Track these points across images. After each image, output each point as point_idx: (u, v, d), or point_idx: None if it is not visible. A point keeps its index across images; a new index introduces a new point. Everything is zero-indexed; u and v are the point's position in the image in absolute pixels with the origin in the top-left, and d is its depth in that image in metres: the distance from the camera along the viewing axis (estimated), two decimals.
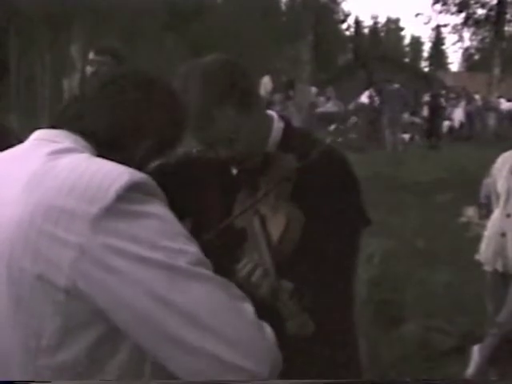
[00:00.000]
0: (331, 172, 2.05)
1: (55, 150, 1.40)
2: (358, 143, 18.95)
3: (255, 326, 1.31)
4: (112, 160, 1.41)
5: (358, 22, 72.65)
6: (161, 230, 1.29)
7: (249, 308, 1.33)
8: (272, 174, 1.95)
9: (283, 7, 49.35)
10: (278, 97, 21.49)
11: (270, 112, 2.17)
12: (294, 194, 1.93)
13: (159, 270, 1.24)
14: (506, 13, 26.97)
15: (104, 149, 1.47)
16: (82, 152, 1.42)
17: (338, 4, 57.86)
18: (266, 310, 1.45)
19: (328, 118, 22.91)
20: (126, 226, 1.26)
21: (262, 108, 2.14)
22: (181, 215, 1.39)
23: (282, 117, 2.17)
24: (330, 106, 25.21)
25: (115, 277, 1.23)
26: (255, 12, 35.86)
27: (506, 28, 27.83)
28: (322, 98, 25.83)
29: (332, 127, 21.20)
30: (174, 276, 1.24)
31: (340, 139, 19.24)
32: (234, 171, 2.15)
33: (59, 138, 1.46)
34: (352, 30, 68.83)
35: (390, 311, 5.79)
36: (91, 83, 1.61)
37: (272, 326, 1.38)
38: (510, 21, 28.21)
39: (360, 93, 23.73)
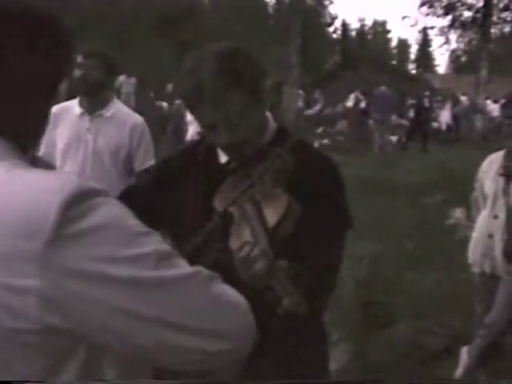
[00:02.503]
0: (323, 176, 2.17)
1: None
2: (345, 145, 18.99)
3: (230, 306, 1.31)
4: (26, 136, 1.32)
5: (344, 25, 72.77)
6: (114, 238, 1.19)
7: (220, 288, 1.31)
8: (267, 165, 2.04)
9: (270, 10, 49.40)
10: None
11: (266, 112, 2.27)
12: (288, 190, 2.01)
13: (123, 285, 1.17)
14: (492, 15, 27.09)
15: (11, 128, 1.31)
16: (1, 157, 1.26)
17: (325, 7, 57.93)
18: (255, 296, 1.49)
19: (316, 120, 22.95)
20: (76, 250, 1.14)
21: (266, 101, 2.22)
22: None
23: (274, 119, 2.29)
24: (317, 109, 25.29)
25: (83, 302, 1.16)
26: (243, 16, 35.89)
27: (493, 30, 27.96)
28: (309, 101, 25.95)
29: (320, 130, 21.22)
30: (139, 288, 1.18)
31: (327, 141, 19.24)
32: (223, 160, 2.23)
33: None
34: (339, 32, 68.91)
35: (380, 313, 5.80)
36: None
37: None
38: (496, 23, 28.35)
39: (347, 95, 23.79)
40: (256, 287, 1.82)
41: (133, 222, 1.25)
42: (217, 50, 2.05)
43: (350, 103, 23.17)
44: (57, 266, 1.13)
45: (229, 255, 1.94)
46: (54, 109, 4.61)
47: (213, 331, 1.26)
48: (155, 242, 1.24)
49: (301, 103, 24.31)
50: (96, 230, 1.17)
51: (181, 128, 13.73)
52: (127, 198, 1.74)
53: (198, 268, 1.29)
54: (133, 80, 23.42)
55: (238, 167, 2.15)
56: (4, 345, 1.19)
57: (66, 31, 1.39)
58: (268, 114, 2.26)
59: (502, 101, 26.30)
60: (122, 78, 21.86)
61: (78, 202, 1.16)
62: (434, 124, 24.98)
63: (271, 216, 1.95)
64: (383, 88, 20.48)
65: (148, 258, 1.20)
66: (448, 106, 26.30)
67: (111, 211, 1.22)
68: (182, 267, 1.27)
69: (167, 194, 2.32)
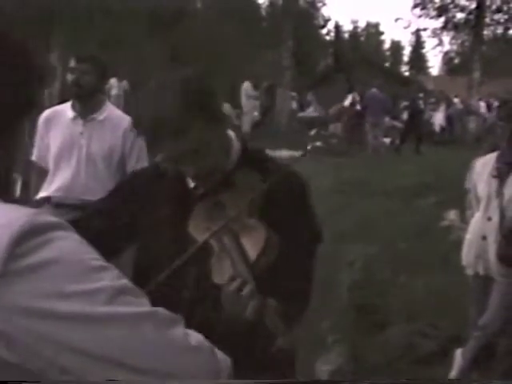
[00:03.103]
0: (292, 194, 2.18)
1: None
2: (339, 147, 19.00)
3: (188, 349, 1.25)
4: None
5: (337, 27, 72.74)
6: (66, 274, 1.13)
7: (179, 331, 1.25)
8: (238, 191, 2.04)
9: (263, 13, 49.40)
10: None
11: (228, 132, 2.24)
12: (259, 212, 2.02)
13: (72, 321, 1.12)
14: (484, 16, 27.21)
15: None
16: None
17: (318, 9, 57.89)
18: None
19: (309, 122, 22.97)
20: (25, 286, 1.10)
21: (226, 126, 2.21)
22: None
23: (238, 137, 2.26)
24: (310, 111, 25.32)
25: (30, 337, 1.11)
26: (235, 18, 35.87)
27: (485, 32, 28.08)
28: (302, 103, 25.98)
29: (313, 132, 21.23)
30: (89, 324, 1.13)
31: (320, 143, 19.25)
32: (192, 185, 2.19)
33: None
34: (332, 34, 68.92)
35: (374, 316, 5.80)
36: None
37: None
38: (489, 24, 28.45)
39: (340, 97, 23.81)
40: (244, 324, 1.84)
41: (88, 256, 1.20)
42: (177, 80, 2.02)
43: (346, 103, 23.22)
44: (4, 302, 1.09)
45: (210, 287, 1.93)
46: (47, 112, 4.61)
47: (167, 374, 1.20)
48: (111, 278, 1.19)
49: (294, 105, 24.35)
50: (45, 266, 1.12)
51: None
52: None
53: (158, 309, 1.24)
54: (124, 83, 23.44)
55: (207, 193, 2.13)
56: None
57: (40, 66, 1.37)
58: (231, 133, 2.23)
59: (496, 103, 26.33)
60: (112, 80, 21.87)
61: (28, 238, 1.12)
62: (428, 126, 25.01)
63: (251, 249, 1.94)
64: (374, 90, 20.50)
65: (100, 294, 1.15)
66: (442, 107, 26.34)
67: (65, 246, 1.17)
68: (139, 305, 1.21)
69: (134, 210, 2.27)
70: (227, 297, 1.86)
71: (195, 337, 1.28)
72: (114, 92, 22.14)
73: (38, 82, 1.36)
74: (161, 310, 1.24)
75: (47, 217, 1.18)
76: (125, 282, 1.22)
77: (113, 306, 1.16)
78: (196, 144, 1.98)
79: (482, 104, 27.04)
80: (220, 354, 1.32)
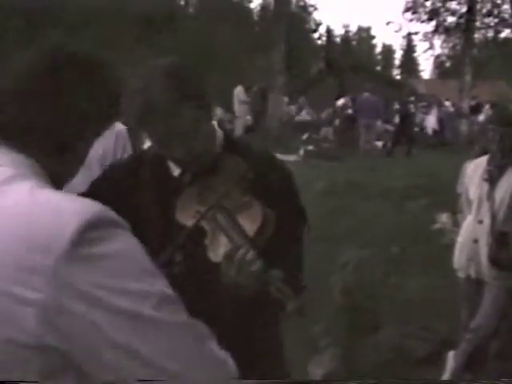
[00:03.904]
0: (278, 176, 2.27)
1: None
2: (331, 151, 19.01)
3: (218, 362, 1.31)
4: (62, 165, 1.38)
5: (329, 31, 72.76)
6: (124, 270, 1.20)
7: (212, 346, 1.31)
8: (226, 174, 2.11)
9: (255, 17, 49.43)
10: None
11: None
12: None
13: (122, 318, 1.17)
14: (475, 20, 27.27)
15: (48, 156, 1.37)
16: (26, 176, 1.29)
17: (310, 13, 57.98)
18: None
19: (301, 126, 22.97)
20: (86, 272, 1.16)
21: (212, 113, 2.26)
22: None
23: (219, 126, 2.34)
24: (302, 115, 25.31)
25: (80, 325, 1.16)
26: (227, 22, 35.85)
27: (476, 35, 28.15)
28: (293, 107, 25.97)
29: (305, 136, 21.23)
30: (137, 324, 1.18)
31: (312, 147, 19.26)
32: (176, 173, 2.24)
33: None
34: (324, 39, 68.97)
35: (366, 318, 5.80)
36: (8, 78, 1.39)
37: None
38: (479, 28, 28.51)
39: (332, 101, 23.84)
40: (249, 291, 1.91)
41: (144, 258, 1.26)
42: (163, 67, 2.06)
43: (339, 103, 23.27)
44: (63, 284, 1.14)
45: (204, 268, 2.00)
46: None
47: (199, 382, 1.25)
48: (162, 284, 1.26)
49: (286, 109, 24.35)
50: (109, 258, 1.19)
51: None
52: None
53: (197, 321, 1.30)
54: None
55: (194, 179, 2.18)
56: (4, 360, 1.19)
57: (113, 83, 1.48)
58: (214, 122, 2.29)
59: (487, 106, 26.38)
60: None
61: (96, 228, 1.19)
62: (418, 129, 25.04)
63: (249, 225, 2.00)
64: (366, 94, 20.55)
65: (152, 297, 1.21)
66: (434, 111, 26.38)
67: (126, 244, 1.24)
68: (182, 316, 1.27)
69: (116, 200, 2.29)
70: (228, 267, 1.93)
71: (221, 352, 1.33)
72: None
73: (113, 96, 1.48)
74: (199, 323, 1.30)
75: (114, 214, 1.25)
76: (171, 291, 1.27)
77: (161, 311, 1.21)
78: (185, 127, 2.03)
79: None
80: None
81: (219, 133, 2.28)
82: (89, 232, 1.17)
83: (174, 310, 1.25)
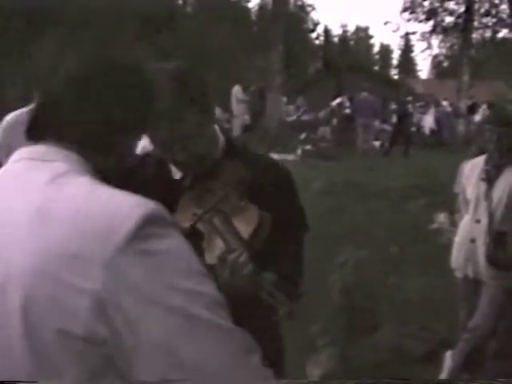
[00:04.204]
0: (279, 182, 2.27)
1: (53, 176, 1.29)
2: (329, 151, 19.01)
3: (259, 377, 1.29)
4: (107, 165, 1.41)
5: (327, 31, 72.79)
6: (177, 268, 1.22)
7: (255, 358, 1.28)
8: (225, 178, 2.13)
9: (253, 17, 49.42)
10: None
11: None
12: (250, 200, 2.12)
13: (174, 315, 1.18)
14: (473, 20, 27.27)
15: (96, 155, 1.41)
16: (79, 172, 1.33)
17: (308, 13, 57.97)
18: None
19: (299, 126, 22.97)
20: (141, 267, 1.18)
21: (214, 119, 2.28)
22: None
23: (221, 131, 2.34)
24: (301, 115, 25.31)
25: (129, 317, 1.16)
26: (225, 21, 35.85)
27: (474, 35, 28.14)
28: (292, 107, 25.97)
29: (303, 135, 21.23)
30: (187, 324, 1.18)
31: (310, 147, 19.26)
32: (177, 176, 2.25)
33: (49, 155, 1.35)
34: (322, 38, 68.96)
35: (364, 318, 5.81)
36: (56, 83, 1.42)
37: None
38: (477, 28, 28.52)
39: (330, 101, 23.84)
40: (242, 296, 1.88)
41: (195, 260, 1.28)
42: (169, 71, 2.06)
43: (334, 103, 23.27)
44: (120, 276, 1.16)
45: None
46: None
47: None
48: (211, 286, 1.27)
49: (284, 109, 24.34)
50: (163, 254, 1.21)
51: None
52: None
53: (245, 331, 1.29)
54: None
55: (195, 183, 2.20)
56: (48, 348, 1.19)
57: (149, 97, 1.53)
58: (216, 127, 2.30)
59: (483, 106, 26.39)
60: None
61: (153, 223, 1.22)
62: (416, 129, 25.05)
63: (244, 228, 2.02)
64: (364, 94, 20.56)
65: (202, 297, 1.22)
66: (431, 110, 26.38)
67: (178, 243, 1.26)
68: (229, 321, 1.26)
69: None
70: (222, 269, 1.94)
71: (266, 369, 1.31)
72: None
73: (150, 99, 1.52)
74: (247, 333, 1.29)
75: (168, 212, 1.30)
76: (220, 295, 1.28)
77: (210, 313, 1.22)
78: (189, 132, 2.04)
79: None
80: None
81: (221, 138, 2.29)
82: (146, 227, 1.21)
83: (222, 314, 1.25)
